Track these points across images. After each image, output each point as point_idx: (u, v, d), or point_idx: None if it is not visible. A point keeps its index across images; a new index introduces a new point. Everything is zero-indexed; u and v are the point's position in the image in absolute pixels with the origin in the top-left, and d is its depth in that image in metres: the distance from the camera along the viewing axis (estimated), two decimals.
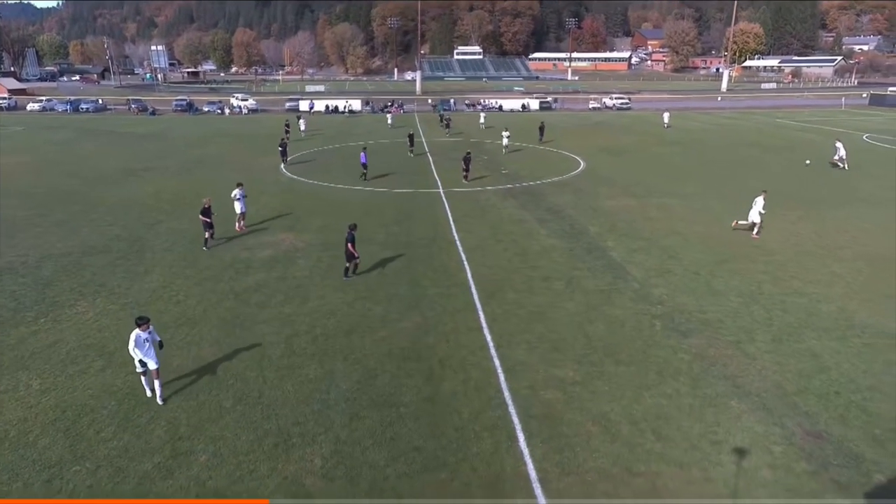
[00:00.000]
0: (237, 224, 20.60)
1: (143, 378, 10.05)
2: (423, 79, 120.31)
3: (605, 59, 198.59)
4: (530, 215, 22.70)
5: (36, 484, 8.15)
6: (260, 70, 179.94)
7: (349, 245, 15.27)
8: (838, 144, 32.46)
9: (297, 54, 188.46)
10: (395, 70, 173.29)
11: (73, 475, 8.32)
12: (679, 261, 17.29)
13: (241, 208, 20.28)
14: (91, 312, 13.86)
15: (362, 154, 30.20)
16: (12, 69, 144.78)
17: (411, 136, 38.74)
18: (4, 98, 79.41)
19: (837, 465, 8.49)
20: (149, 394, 10.08)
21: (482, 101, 77.87)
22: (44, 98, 78.78)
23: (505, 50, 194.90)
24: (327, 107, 72.72)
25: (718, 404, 10.03)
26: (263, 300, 14.62)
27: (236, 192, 20.12)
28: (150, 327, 9.98)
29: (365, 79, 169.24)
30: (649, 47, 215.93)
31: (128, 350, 9.79)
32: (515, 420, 9.64)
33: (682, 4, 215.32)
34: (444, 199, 25.54)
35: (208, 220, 18.30)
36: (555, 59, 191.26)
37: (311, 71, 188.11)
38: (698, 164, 34.13)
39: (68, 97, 78.04)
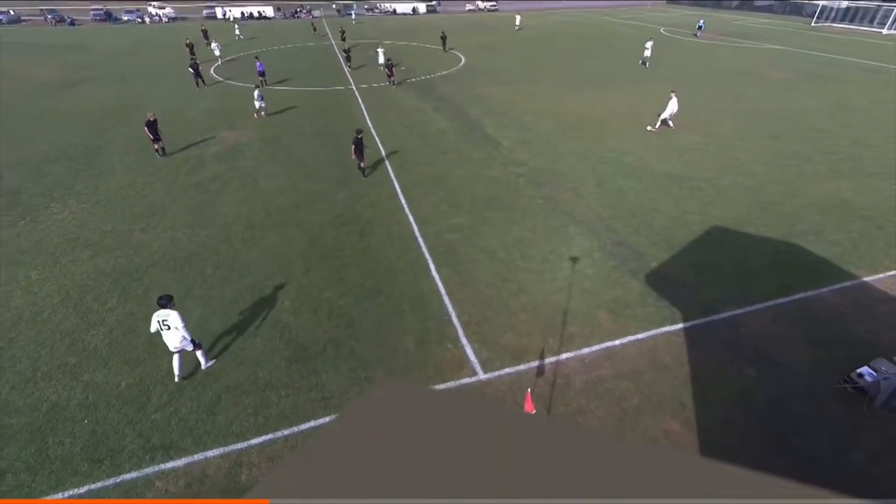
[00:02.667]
0: (255, 115, 19.34)
1: (176, 357, 7.03)
2: None
3: None
4: (427, 104, 21.56)
5: (61, 347, 7.70)
6: None
7: (353, 147, 13.16)
8: (648, 44, 29.05)
9: None
10: None
11: (91, 337, 7.91)
12: (535, 132, 17.57)
13: (260, 104, 19.09)
14: (66, 212, 12.07)
15: (258, 64, 24.46)
16: None
17: (343, 32, 37.75)
18: None
19: (631, 260, 9.88)
20: (177, 376, 7.07)
21: (378, 5, 68.47)
22: None
23: None
24: (242, 13, 60.47)
25: (561, 231, 11.01)
26: (220, 188, 13.36)
27: (256, 93, 19.05)
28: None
29: None
30: None
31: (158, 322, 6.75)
32: (427, 256, 10.09)
33: None
34: (357, 94, 23.43)
35: (154, 133, 15.02)
36: None
37: None
38: (547, 55, 33.11)
39: None
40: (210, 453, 6.04)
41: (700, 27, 42.19)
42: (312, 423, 6.42)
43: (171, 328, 6.80)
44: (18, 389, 6.96)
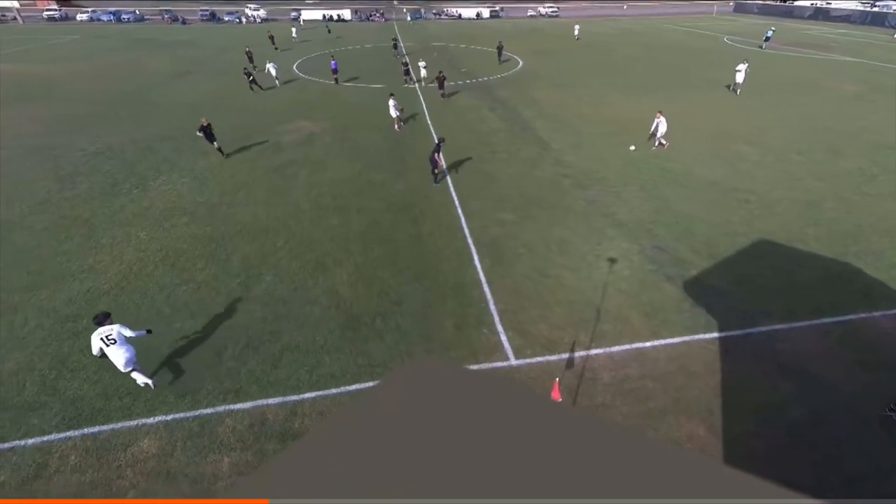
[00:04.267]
0: (395, 126, 17.39)
1: (134, 373, 6.37)
2: None
3: None
4: (482, 104, 21.25)
5: (160, 298, 8.44)
6: None
7: (434, 154, 12.36)
8: (741, 67, 21.75)
9: None
10: None
11: (182, 293, 8.61)
12: (585, 136, 16.84)
13: (395, 113, 17.12)
14: (170, 184, 13.15)
15: (333, 62, 24.63)
16: None
17: (395, 41, 34.32)
18: (56, 10, 63.63)
19: (669, 265, 9.31)
20: (152, 384, 6.51)
21: (445, 10, 67.78)
22: (90, 9, 64.45)
23: None
24: (323, 16, 61.97)
25: (601, 232, 10.55)
26: (295, 172, 13.97)
27: (391, 102, 17.02)
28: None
29: None
30: None
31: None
32: (472, 247, 10.04)
33: None
34: (419, 93, 23.50)
35: (209, 137, 14.51)
36: None
37: None
38: (602, 61, 31.40)
39: (110, 8, 64.42)
40: (271, 401, 6.44)
41: (767, 37, 36.75)
42: (357, 386, 6.66)
43: (118, 342, 6.07)
44: (218, 300, 7.71)
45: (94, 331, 6.14)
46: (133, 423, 6.15)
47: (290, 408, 6.34)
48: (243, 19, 59.81)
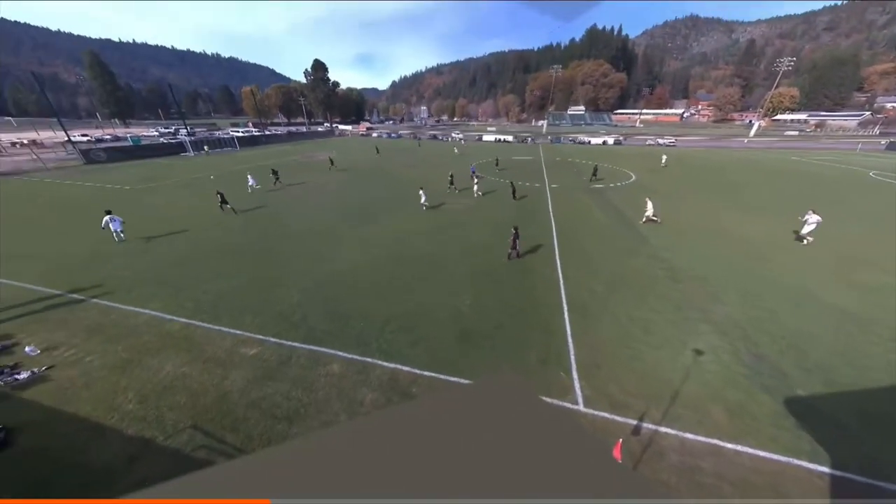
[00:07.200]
0: (423, 207, 16.96)
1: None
2: (548, 125, 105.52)
3: (665, 113, 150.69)
4: (594, 204, 19.58)
5: (364, 284, 9.84)
6: (467, 119, 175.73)
7: (512, 238, 11.40)
8: (811, 218, 12.87)
9: (484, 111, 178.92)
10: (534, 120, 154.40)
11: (375, 284, 9.78)
12: (684, 239, 13.75)
13: (423, 199, 16.91)
14: (382, 224, 15.46)
15: (471, 167, 24.38)
16: (367, 118, 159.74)
17: (497, 161, 32.10)
18: (365, 132, 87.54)
19: (768, 376, 6.57)
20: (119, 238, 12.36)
21: (577, 138, 66.52)
22: (378, 130, 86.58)
23: (599, 107, 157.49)
24: (496, 138, 68.29)
25: (691, 324, 8.20)
26: (446, 229, 14.86)
27: (421, 192, 16.82)
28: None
29: (517, 125, 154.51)
30: (700, 106, 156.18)
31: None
32: (564, 303, 9.00)
33: (733, 75, 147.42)
34: (546, 188, 23.16)
35: (223, 202, 16.47)
36: (629, 113, 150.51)
37: (490, 119, 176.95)
38: (709, 182, 25.45)
39: (386, 131, 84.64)
40: (404, 367, 6.75)
41: None
42: (457, 378, 6.45)
43: (117, 221, 12.21)
44: (393, 295, 9.28)
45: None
46: (331, 351, 7.23)
47: (413, 377, 6.52)
48: (449, 139, 70.30)
